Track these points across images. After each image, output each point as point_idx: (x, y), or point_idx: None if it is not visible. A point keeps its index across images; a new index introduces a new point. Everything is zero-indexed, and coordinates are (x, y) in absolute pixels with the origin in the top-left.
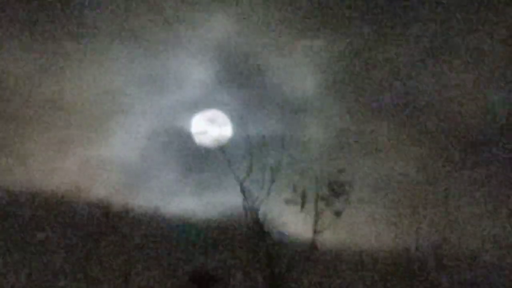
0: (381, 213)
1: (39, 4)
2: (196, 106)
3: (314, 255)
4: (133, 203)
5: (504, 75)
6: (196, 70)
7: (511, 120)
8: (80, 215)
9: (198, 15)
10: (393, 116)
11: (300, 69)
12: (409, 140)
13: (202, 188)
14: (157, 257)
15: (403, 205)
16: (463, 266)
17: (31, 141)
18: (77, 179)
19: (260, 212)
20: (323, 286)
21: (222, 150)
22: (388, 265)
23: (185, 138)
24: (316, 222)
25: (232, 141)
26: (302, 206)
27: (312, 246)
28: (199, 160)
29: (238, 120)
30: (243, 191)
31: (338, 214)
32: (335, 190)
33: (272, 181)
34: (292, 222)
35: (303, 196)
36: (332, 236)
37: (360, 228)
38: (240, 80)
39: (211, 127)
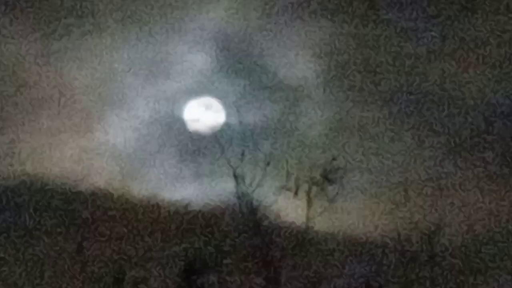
0: (374, 201)
1: None
2: (193, 93)
3: (308, 242)
4: (130, 190)
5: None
6: (194, 57)
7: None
8: (76, 203)
9: (198, 1)
10: (393, 104)
11: (298, 55)
12: (407, 128)
13: (199, 175)
14: (152, 245)
15: (397, 193)
16: (456, 255)
17: (25, 128)
18: (73, 167)
19: (254, 199)
20: (317, 272)
21: (216, 137)
22: (381, 252)
23: (183, 125)
24: (309, 208)
25: (226, 128)
26: (296, 193)
27: (306, 232)
28: (197, 147)
29: (233, 107)
30: (235, 177)
31: (331, 201)
32: (329, 177)
33: (266, 168)
34: (286, 208)
35: (297, 183)
36: (326, 222)
37: (353, 215)
38: (239, 67)
39: (206, 114)
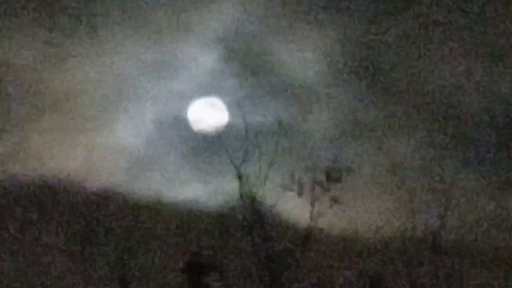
0: (378, 200)
1: None
2: (201, 93)
3: (311, 241)
4: (136, 189)
5: None
6: (202, 57)
7: None
8: (83, 201)
9: (206, 1)
10: (399, 105)
11: (306, 56)
12: (413, 127)
13: (204, 175)
14: (155, 244)
15: (401, 192)
16: (461, 252)
17: (34, 128)
18: (80, 166)
19: (257, 199)
20: (320, 271)
21: (220, 137)
22: (385, 250)
23: (189, 125)
24: (312, 208)
25: (230, 128)
26: (299, 192)
27: (309, 232)
28: (202, 147)
29: (238, 107)
30: (239, 177)
31: (335, 200)
32: (332, 177)
33: (270, 168)
34: (289, 208)
35: (300, 183)
36: (329, 222)
37: (357, 214)
38: (247, 67)
39: (210, 114)
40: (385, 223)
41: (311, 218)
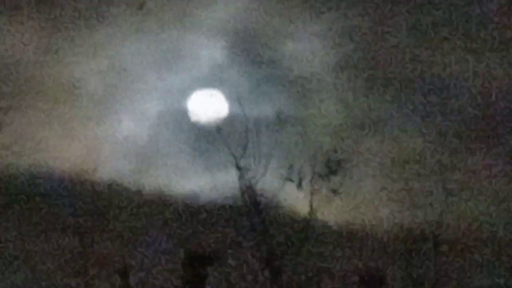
0: (378, 193)
1: None
2: (204, 85)
3: (311, 233)
4: (139, 183)
5: None
6: (207, 50)
7: None
8: (86, 195)
9: None
10: (403, 98)
11: (311, 48)
12: (416, 122)
13: (204, 168)
14: (157, 237)
15: (401, 186)
16: (460, 247)
17: (37, 120)
18: (82, 158)
19: (257, 190)
20: (320, 263)
21: (219, 129)
22: (384, 244)
23: (191, 117)
24: (312, 200)
25: (229, 121)
26: (299, 184)
27: (309, 223)
28: (202, 140)
29: (238, 99)
30: (238, 169)
31: (334, 192)
32: (332, 168)
33: (269, 159)
34: (289, 200)
35: (300, 174)
36: (329, 214)
37: (357, 206)
38: (251, 59)
39: (210, 106)
40: (385, 217)
41: (311, 209)
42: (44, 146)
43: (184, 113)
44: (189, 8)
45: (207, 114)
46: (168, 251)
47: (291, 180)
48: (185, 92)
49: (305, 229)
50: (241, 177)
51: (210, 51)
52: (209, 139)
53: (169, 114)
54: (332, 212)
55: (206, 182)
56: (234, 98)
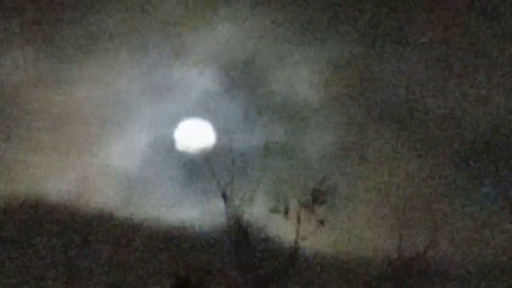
0: (365, 222)
1: (43, 11)
2: (195, 114)
3: (297, 262)
4: (128, 211)
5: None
6: (198, 78)
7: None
8: (78, 223)
9: (202, 22)
10: (392, 125)
11: (299, 76)
12: (403, 150)
13: (192, 197)
14: (146, 265)
15: (388, 214)
16: (449, 272)
17: (30, 147)
18: (76, 187)
19: (243, 220)
20: None
21: (207, 159)
22: (372, 271)
23: (180, 147)
24: (298, 230)
25: (217, 151)
26: (285, 213)
27: (295, 253)
28: (191, 170)
29: (226, 130)
30: (225, 198)
31: (321, 222)
32: (319, 198)
33: (256, 189)
34: (275, 229)
35: (286, 204)
36: (315, 243)
37: (342, 235)
38: (241, 88)
39: (199, 136)
40: (372, 245)
41: (297, 239)
42: (36, 173)
43: (173, 143)
44: (182, 38)
45: (195, 144)
46: (155, 280)
47: (278, 210)
48: (174, 122)
49: (291, 258)
50: (227, 207)
51: (202, 81)
52: (197, 169)
53: (158, 144)
54: (319, 242)
55: (193, 211)
56: (222, 128)
